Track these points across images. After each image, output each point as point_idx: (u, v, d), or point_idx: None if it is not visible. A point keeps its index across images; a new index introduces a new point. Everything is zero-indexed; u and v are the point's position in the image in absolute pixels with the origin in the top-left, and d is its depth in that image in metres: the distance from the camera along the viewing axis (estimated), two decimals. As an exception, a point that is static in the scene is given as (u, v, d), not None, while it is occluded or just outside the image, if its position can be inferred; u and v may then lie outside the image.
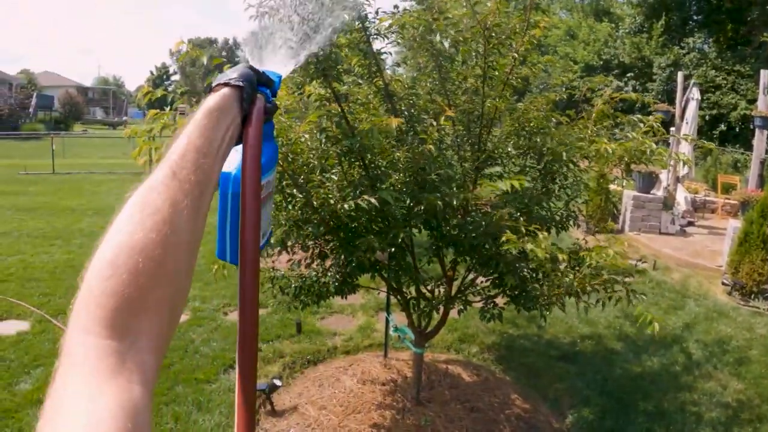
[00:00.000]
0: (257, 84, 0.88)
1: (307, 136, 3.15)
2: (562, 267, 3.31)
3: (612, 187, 9.53)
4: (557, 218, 3.84)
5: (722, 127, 21.27)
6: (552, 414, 4.48)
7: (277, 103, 1.15)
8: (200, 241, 0.71)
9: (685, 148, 9.97)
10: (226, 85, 0.82)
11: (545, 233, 3.18)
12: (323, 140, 3.10)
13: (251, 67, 0.88)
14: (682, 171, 10.55)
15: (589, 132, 3.62)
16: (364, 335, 5.79)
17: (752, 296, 6.94)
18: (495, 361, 5.31)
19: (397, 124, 2.78)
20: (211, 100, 0.79)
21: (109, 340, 0.53)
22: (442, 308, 3.71)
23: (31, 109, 41.44)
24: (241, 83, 0.82)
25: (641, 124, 3.59)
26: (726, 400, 4.74)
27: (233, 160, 0.85)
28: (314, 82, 3.14)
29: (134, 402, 0.51)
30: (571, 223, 3.97)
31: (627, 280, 3.34)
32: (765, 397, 4.79)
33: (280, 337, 5.66)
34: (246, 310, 0.81)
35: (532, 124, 3.62)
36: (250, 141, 0.82)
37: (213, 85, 0.83)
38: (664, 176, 10.55)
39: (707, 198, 11.97)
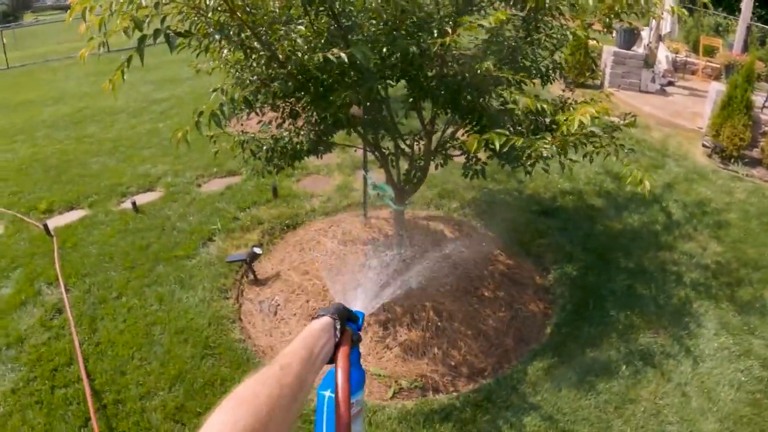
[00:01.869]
0: (347, 319, 1.14)
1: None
2: (547, 121, 3.18)
3: (591, 42, 9.19)
4: (543, 69, 3.66)
5: (705, -13, 20.53)
6: (535, 269, 4.52)
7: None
8: (295, 420, 0.87)
9: (672, 4, 9.55)
10: (324, 315, 1.09)
11: (532, 82, 3.02)
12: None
13: (344, 306, 1.16)
14: (665, 29, 10.20)
15: (576, -22, 3.35)
16: (342, 195, 5.70)
17: (732, 160, 6.90)
18: (476, 216, 5.29)
19: None
20: (314, 325, 1.06)
21: None
22: (422, 163, 3.58)
23: (-25, 7, 38.97)
24: (336, 317, 1.09)
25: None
26: (705, 262, 4.78)
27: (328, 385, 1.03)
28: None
29: None
30: (557, 74, 3.79)
31: (614, 135, 3.22)
32: (743, 262, 4.82)
33: (257, 203, 5.55)
34: None
35: (515, -32, 3.32)
36: (341, 362, 1.02)
37: (316, 315, 1.11)
38: (645, 33, 10.21)
39: (688, 59, 11.66)
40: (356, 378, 1.12)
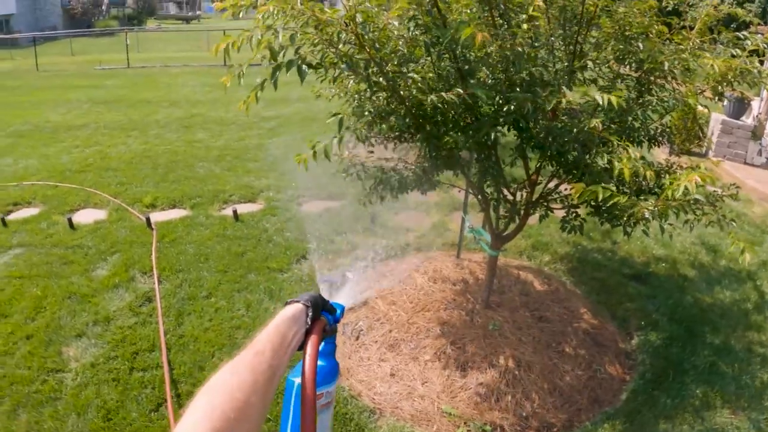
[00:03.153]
0: (322, 309, 1.16)
1: (395, 23, 3.01)
2: (651, 185, 3.16)
3: (700, 109, 8.95)
4: (651, 132, 3.64)
5: (823, 59, 19.52)
6: (619, 333, 4.42)
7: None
8: (270, 404, 0.89)
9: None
10: (298, 302, 1.10)
11: (636, 150, 3.02)
12: (412, 28, 2.96)
13: (320, 296, 1.17)
14: (777, 101, 9.82)
15: (691, 44, 3.34)
16: (437, 233, 5.78)
17: (834, 244, 6.52)
18: (567, 272, 5.23)
19: (482, 39, 2.59)
20: (287, 311, 1.07)
21: None
22: (522, 212, 3.63)
23: (103, 7, 42.11)
24: (309, 304, 1.10)
25: (747, 43, 3.28)
26: (794, 349, 4.53)
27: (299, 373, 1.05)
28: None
29: None
30: (665, 139, 3.76)
31: (716, 204, 3.16)
32: (832, 354, 4.54)
33: (353, 230, 5.70)
34: None
35: (633, 29, 3.36)
36: (309, 350, 1.03)
37: (289, 301, 1.11)
38: (755, 104, 9.84)
39: (799, 134, 11.15)
40: (327, 370, 1.16)
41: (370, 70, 2.93)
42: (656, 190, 3.12)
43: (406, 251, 5.38)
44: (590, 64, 3.50)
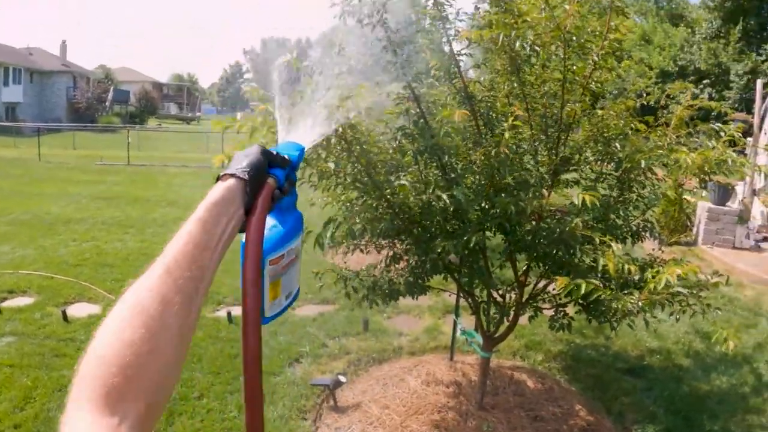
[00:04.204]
0: (269, 165, 0.90)
1: (381, 137, 3.16)
2: (636, 279, 3.24)
3: (686, 198, 9.22)
4: (633, 228, 3.76)
5: (803, 140, 20.20)
6: (615, 428, 4.37)
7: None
8: (193, 331, 0.75)
9: (764, 160, 9.56)
10: (232, 175, 0.84)
11: (618, 246, 3.12)
12: (399, 136, 3.12)
13: (264, 151, 0.90)
14: (759, 183, 10.11)
15: (668, 140, 3.53)
16: (430, 337, 5.77)
17: (829, 323, 6.55)
18: (561, 370, 5.21)
19: (461, 117, 2.77)
20: (215, 193, 0.82)
21: (100, 417, 0.60)
22: (512, 313, 3.68)
23: (107, 103, 43.54)
24: (246, 175, 0.84)
25: (722, 133, 3.47)
26: (795, 429, 4.49)
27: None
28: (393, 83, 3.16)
29: None
30: (648, 234, 3.87)
31: (701, 294, 3.23)
32: (834, 433, 4.49)
33: (347, 333, 5.70)
34: (250, 368, 0.85)
35: (611, 131, 3.55)
36: (251, 236, 0.83)
37: (221, 174, 0.85)
38: (740, 188, 10.14)
39: (785, 214, 11.38)
40: (291, 225, 0.96)
41: (356, 172, 3.04)
42: (641, 284, 3.19)
43: (399, 354, 5.36)
44: (572, 166, 3.67)
